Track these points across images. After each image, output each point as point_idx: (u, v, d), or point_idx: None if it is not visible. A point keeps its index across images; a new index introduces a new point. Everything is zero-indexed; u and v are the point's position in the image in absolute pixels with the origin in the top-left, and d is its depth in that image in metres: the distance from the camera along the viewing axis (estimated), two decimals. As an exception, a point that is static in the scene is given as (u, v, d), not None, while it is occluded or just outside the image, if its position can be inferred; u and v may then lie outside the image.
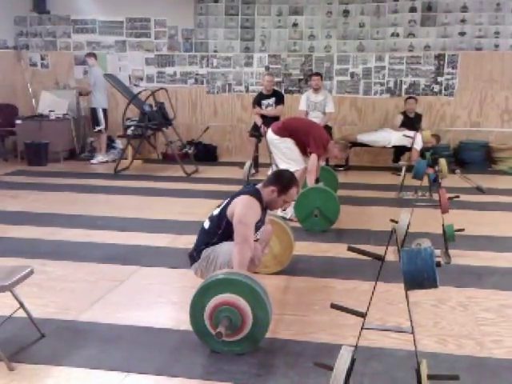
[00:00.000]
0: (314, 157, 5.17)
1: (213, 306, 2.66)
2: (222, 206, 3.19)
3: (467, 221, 4.82)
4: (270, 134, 5.43)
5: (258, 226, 3.15)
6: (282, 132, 5.33)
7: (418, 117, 8.06)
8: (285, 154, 5.31)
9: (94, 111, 8.47)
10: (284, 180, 3.20)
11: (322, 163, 7.63)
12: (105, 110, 8.53)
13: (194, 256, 3.24)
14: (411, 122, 7.87)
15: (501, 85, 8.42)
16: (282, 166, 5.14)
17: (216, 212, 3.21)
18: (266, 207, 3.22)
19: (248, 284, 2.67)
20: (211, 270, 3.10)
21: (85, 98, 8.93)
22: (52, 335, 2.93)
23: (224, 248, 3.09)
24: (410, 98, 8.12)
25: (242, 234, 2.92)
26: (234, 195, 3.18)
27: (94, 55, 8.48)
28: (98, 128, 8.50)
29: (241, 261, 2.86)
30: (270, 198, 3.16)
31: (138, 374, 2.60)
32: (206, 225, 3.24)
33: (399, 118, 8.03)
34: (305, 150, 5.29)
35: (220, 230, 3.13)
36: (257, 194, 3.13)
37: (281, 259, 3.89)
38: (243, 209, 2.99)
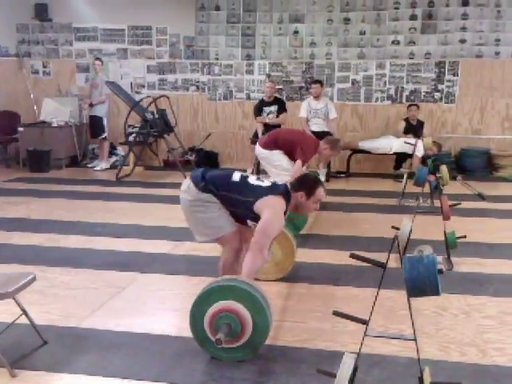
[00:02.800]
0: (298, 163, 5.18)
1: (212, 312, 2.66)
2: (259, 186, 3.13)
3: (469, 228, 4.82)
4: (258, 149, 5.49)
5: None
6: (270, 145, 5.39)
7: (421, 124, 8.08)
8: (276, 167, 5.34)
9: (98, 119, 8.48)
10: (309, 183, 3.21)
11: (324, 169, 7.72)
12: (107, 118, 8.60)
13: (201, 178, 3.16)
14: (414, 129, 7.89)
15: (501, 92, 8.44)
16: (275, 178, 5.17)
17: (252, 181, 3.17)
18: (297, 211, 3.26)
19: (247, 291, 2.66)
20: (192, 216, 3.20)
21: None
22: (54, 342, 2.93)
23: (209, 215, 3.12)
24: (412, 105, 8.14)
25: (261, 243, 2.89)
26: (272, 187, 3.16)
27: (101, 61, 8.55)
28: (103, 135, 8.55)
29: (251, 269, 2.85)
30: (299, 203, 3.17)
31: (139, 381, 2.59)
32: (236, 177, 3.18)
33: (402, 125, 8.04)
34: (294, 158, 5.30)
35: (240, 196, 3.09)
36: (288, 196, 3.12)
37: (282, 266, 3.88)
38: (272, 218, 2.95)
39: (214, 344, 2.59)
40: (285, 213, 3.13)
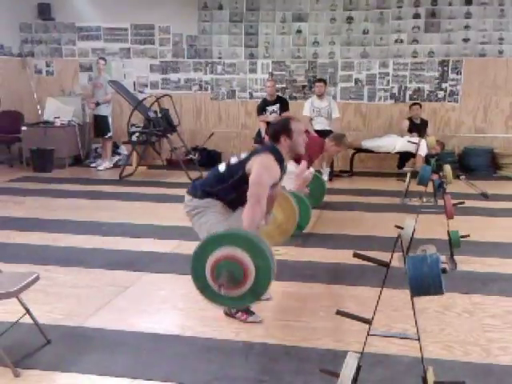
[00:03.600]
0: (303, 163, 5.15)
1: (213, 261, 2.60)
2: (242, 159, 3.13)
3: (472, 227, 4.81)
4: None
5: (273, 185, 3.12)
6: None
7: (424, 123, 8.07)
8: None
9: (103, 118, 8.49)
10: (280, 126, 3.16)
11: (327, 168, 7.71)
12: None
13: (195, 188, 3.21)
14: (417, 128, 7.88)
15: (505, 91, 8.41)
16: (284, 183, 5.19)
17: (234, 161, 3.16)
18: (295, 153, 3.23)
19: (246, 236, 2.63)
20: (196, 224, 3.19)
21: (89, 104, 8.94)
22: (58, 341, 2.93)
23: (212, 220, 3.09)
24: (414, 104, 8.13)
25: (257, 194, 2.87)
26: (253, 151, 3.16)
27: (105, 60, 8.57)
28: (109, 134, 8.58)
29: (251, 221, 2.82)
30: (288, 147, 3.13)
31: (144, 381, 2.59)
32: (222, 168, 3.19)
33: (406, 124, 8.02)
34: (299, 160, 5.29)
35: (233, 178, 3.08)
36: (276, 152, 3.09)
37: (285, 228, 3.82)
38: (260, 169, 2.94)
39: (217, 292, 2.56)
40: (281, 163, 3.10)
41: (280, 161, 3.08)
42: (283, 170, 3.16)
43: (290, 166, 5.26)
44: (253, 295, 2.64)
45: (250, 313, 3.22)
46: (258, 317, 3.22)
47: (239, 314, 3.22)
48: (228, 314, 3.26)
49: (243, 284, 2.59)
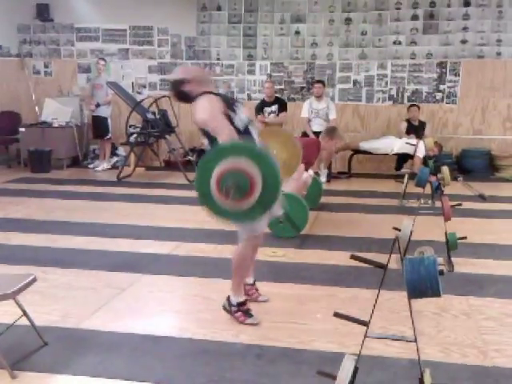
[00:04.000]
0: (301, 167, 5.15)
1: (219, 173, 2.57)
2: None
3: (470, 229, 4.82)
4: None
5: (230, 105, 3.05)
6: None
7: (422, 124, 8.08)
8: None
9: (103, 120, 8.48)
10: (188, 70, 3.25)
11: (325, 170, 7.71)
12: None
13: None
14: (415, 130, 7.89)
15: (503, 92, 8.42)
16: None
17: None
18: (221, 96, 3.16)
19: (249, 147, 2.62)
20: None
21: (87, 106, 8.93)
22: (54, 343, 2.93)
23: None
24: (412, 105, 8.14)
25: (216, 127, 2.86)
26: None
27: (105, 60, 8.57)
28: (108, 136, 8.59)
29: (225, 139, 2.81)
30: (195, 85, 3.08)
31: (140, 383, 2.58)
32: (206, 143, 3.13)
33: (404, 125, 8.03)
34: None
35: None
36: (202, 94, 3.02)
37: (289, 164, 3.77)
38: (199, 111, 2.93)
39: (224, 200, 2.54)
40: (217, 95, 3.06)
41: (212, 94, 3.03)
42: (228, 100, 3.09)
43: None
44: (261, 207, 2.60)
45: (248, 315, 3.21)
46: (256, 319, 3.21)
47: (238, 313, 3.21)
48: (226, 310, 3.26)
49: (250, 194, 2.55)
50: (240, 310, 3.21)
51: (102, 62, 8.46)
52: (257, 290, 3.57)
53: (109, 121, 8.58)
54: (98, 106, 8.42)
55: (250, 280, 3.53)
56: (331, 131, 5.53)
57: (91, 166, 8.84)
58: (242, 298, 3.25)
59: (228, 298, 3.26)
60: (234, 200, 2.57)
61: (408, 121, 8.05)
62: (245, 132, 3.00)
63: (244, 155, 2.58)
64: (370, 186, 7.49)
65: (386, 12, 8.55)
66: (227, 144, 2.72)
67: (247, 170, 2.57)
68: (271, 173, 2.60)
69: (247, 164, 2.57)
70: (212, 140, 2.98)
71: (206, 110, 2.92)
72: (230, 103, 3.08)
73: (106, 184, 7.56)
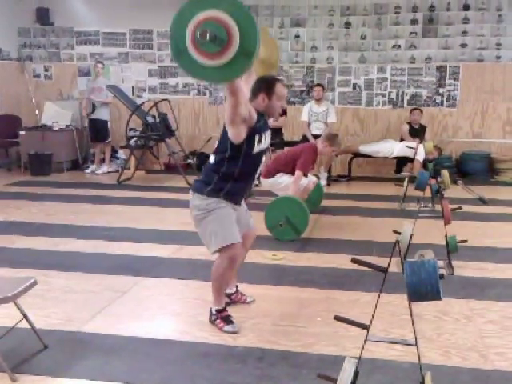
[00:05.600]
0: (297, 173, 5.16)
1: (195, 24, 2.39)
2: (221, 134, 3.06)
3: (470, 232, 4.82)
4: (263, 181, 5.54)
5: (261, 129, 3.02)
6: (271, 172, 5.42)
7: (423, 128, 8.10)
8: (283, 188, 5.34)
9: (102, 123, 8.48)
10: (265, 82, 3.08)
11: (325, 173, 7.73)
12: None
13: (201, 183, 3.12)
14: (416, 133, 7.91)
15: (503, 96, 8.44)
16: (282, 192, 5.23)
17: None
18: (269, 117, 3.14)
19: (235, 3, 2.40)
20: (199, 225, 3.08)
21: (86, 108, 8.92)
22: (55, 346, 2.92)
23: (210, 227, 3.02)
24: (415, 109, 8.15)
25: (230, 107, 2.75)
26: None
27: (103, 64, 8.58)
28: (109, 139, 8.60)
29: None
30: (264, 107, 3.05)
31: (141, 386, 2.59)
32: (212, 159, 3.09)
33: (406, 128, 8.04)
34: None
35: (227, 152, 2.98)
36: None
37: (269, 62, 3.68)
38: (227, 109, 2.83)
39: (200, 45, 2.36)
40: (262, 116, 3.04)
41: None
42: (262, 120, 3.04)
43: (288, 178, 5.30)
44: (245, 55, 2.39)
45: (228, 321, 3.16)
46: (236, 327, 3.14)
47: (218, 320, 3.17)
48: (211, 321, 3.22)
49: (230, 45, 2.37)
50: (219, 318, 3.17)
51: (100, 66, 8.46)
52: (241, 293, 3.57)
53: (109, 124, 8.58)
54: (93, 109, 8.43)
55: (231, 289, 3.50)
56: (332, 138, 5.50)
57: (87, 170, 8.80)
58: (221, 306, 3.21)
59: (210, 310, 3.24)
60: (212, 53, 2.38)
61: (409, 124, 8.06)
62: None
63: (216, 7, 2.37)
64: (370, 190, 7.50)
65: (385, 16, 8.57)
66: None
67: (222, 18, 2.36)
68: (250, 23, 2.39)
69: (221, 14, 2.36)
70: (230, 156, 2.96)
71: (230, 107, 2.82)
72: (261, 121, 3.05)
73: (107, 187, 7.56)
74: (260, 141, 3.01)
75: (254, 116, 2.91)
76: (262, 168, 3.32)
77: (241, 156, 2.98)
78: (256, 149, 3.00)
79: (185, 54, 2.46)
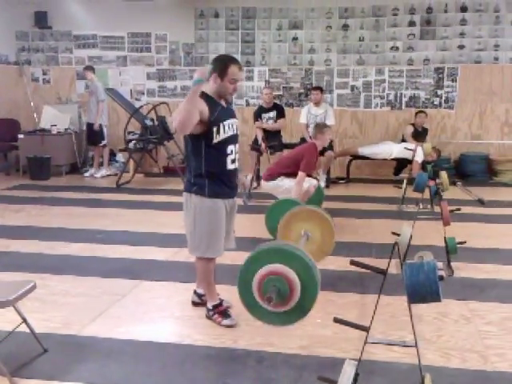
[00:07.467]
0: (300, 174, 5.15)
1: (259, 277, 2.48)
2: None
3: (469, 233, 4.82)
4: (264, 184, 5.52)
5: (219, 120, 3.02)
6: (273, 175, 5.41)
7: (425, 131, 8.13)
8: (283, 192, 5.33)
9: (99, 127, 8.47)
10: (219, 61, 3.05)
11: (324, 175, 7.72)
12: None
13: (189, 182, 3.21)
14: (418, 135, 7.92)
15: (501, 97, 8.46)
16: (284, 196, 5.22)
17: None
18: (221, 98, 3.10)
19: (290, 251, 2.54)
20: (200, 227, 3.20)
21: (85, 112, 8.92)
22: (54, 350, 2.92)
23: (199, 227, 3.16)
24: (420, 112, 8.16)
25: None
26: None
27: (92, 69, 8.54)
28: (104, 142, 8.59)
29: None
30: (217, 87, 3.02)
31: (141, 389, 2.59)
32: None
33: (410, 129, 8.05)
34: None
35: (189, 147, 3.10)
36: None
37: (324, 250, 3.83)
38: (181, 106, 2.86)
39: (265, 309, 2.47)
40: (219, 100, 3.07)
41: (205, 94, 2.97)
42: (218, 108, 3.04)
43: (289, 181, 5.29)
44: (301, 311, 2.55)
45: (225, 315, 3.23)
46: (234, 320, 3.23)
47: (215, 316, 3.24)
48: (208, 317, 3.30)
49: (289, 299, 2.47)
50: (216, 313, 3.25)
51: (87, 72, 8.44)
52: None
53: (104, 127, 8.56)
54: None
55: (201, 290, 3.51)
56: (320, 128, 5.48)
57: (87, 174, 8.79)
58: (216, 301, 3.29)
59: (207, 307, 3.32)
60: (275, 305, 2.47)
61: (413, 126, 8.07)
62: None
63: (279, 260, 2.50)
64: (369, 192, 7.50)
65: (383, 18, 8.59)
66: (260, 251, 2.60)
67: (285, 273, 2.47)
68: (312, 283, 2.51)
69: (287, 270, 2.47)
70: (193, 149, 3.05)
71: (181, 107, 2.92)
72: (225, 106, 3.10)
73: (105, 190, 7.56)
74: (218, 132, 3.01)
75: (206, 112, 2.93)
76: (236, 155, 3.28)
77: (202, 149, 3.04)
78: (216, 139, 3.02)
79: (256, 307, 2.55)
